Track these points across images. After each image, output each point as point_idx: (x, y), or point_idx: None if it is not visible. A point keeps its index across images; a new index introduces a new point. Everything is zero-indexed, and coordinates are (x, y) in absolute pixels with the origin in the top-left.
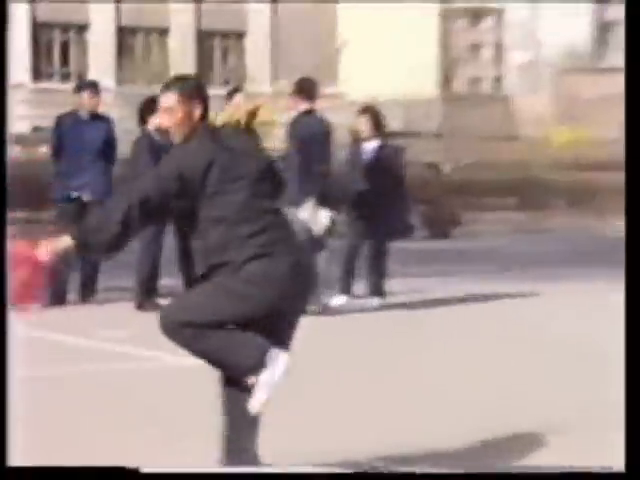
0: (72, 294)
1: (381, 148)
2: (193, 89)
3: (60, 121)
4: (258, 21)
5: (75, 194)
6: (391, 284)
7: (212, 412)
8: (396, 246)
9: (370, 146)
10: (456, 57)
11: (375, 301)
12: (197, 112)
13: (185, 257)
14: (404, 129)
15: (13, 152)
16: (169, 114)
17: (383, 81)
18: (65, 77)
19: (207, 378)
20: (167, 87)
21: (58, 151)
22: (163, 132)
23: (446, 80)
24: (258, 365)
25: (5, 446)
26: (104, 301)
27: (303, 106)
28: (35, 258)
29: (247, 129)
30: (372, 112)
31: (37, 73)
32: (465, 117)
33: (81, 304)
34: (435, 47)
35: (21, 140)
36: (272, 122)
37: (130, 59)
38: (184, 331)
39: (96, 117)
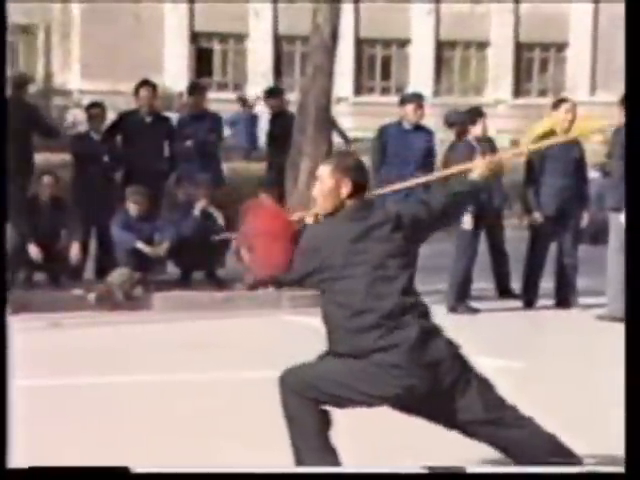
0: None
1: None
2: (346, 166)
3: (384, 131)
4: (580, 30)
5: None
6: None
7: None
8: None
9: None
10: None
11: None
12: (345, 189)
13: (497, 259)
14: None
15: None
16: (319, 184)
17: None
18: (385, 91)
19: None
20: (326, 160)
21: (381, 160)
22: (479, 139)
23: None
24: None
25: (5, 447)
26: None
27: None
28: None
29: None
30: None
31: (359, 87)
32: None
33: None
34: None
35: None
36: (592, 131)
37: (448, 72)
38: (296, 400)
39: (419, 128)
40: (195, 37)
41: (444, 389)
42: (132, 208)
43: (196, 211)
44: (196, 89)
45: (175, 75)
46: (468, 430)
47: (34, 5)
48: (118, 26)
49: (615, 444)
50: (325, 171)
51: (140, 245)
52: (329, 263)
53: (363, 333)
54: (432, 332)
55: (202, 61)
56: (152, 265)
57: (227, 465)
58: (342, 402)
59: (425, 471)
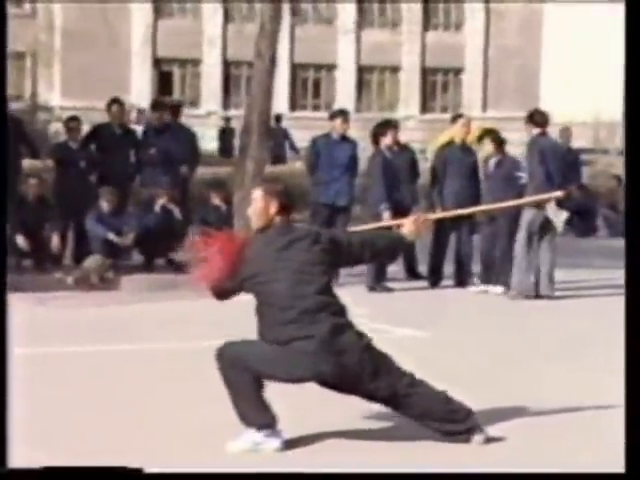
0: None
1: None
2: (275, 192)
3: (316, 141)
4: (473, 57)
5: (328, 200)
6: (579, 274)
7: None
8: (584, 242)
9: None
10: None
11: (499, 289)
12: (273, 208)
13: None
14: (593, 146)
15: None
16: (253, 204)
17: (575, 107)
18: (316, 107)
19: (427, 345)
20: (259, 185)
21: (314, 165)
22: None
23: None
24: (253, 425)
25: (5, 447)
26: (344, 284)
27: (535, 131)
28: (229, 248)
29: (464, 146)
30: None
31: (293, 104)
32: None
33: None
34: (621, 77)
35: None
36: (481, 141)
37: (367, 92)
38: (232, 368)
39: (344, 138)
40: (157, 62)
41: (353, 374)
42: (104, 205)
43: (157, 207)
44: (158, 106)
45: (140, 94)
46: (377, 400)
47: (23, 35)
48: (93, 52)
49: (501, 398)
50: (257, 194)
51: (111, 236)
52: (259, 270)
53: (286, 325)
54: (344, 327)
55: (163, 82)
56: (121, 253)
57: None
58: (267, 378)
59: (425, 471)
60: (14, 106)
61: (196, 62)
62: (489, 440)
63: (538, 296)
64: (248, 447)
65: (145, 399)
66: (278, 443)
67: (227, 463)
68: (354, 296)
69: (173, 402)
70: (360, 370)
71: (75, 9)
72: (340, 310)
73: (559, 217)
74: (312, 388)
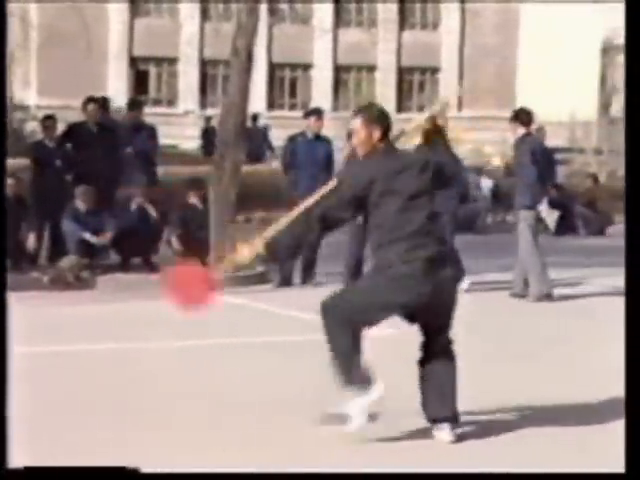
0: (296, 278)
1: None
2: (374, 116)
3: (291, 140)
4: (450, 57)
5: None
6: (561, 273)
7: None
8: (563, 241)
9: None
10: (614, 86)
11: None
12: (376, 134)
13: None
14: (569, 146)
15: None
16: (355, 135)
17: (552, 107)
18: (292, 107)
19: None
20: (355, 114)
21: (289, 164)
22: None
23: (605, 105)
24: (352, 388)
25: (5, 447)
26: (320, 283)
27: (521, 131)
28: (205, 276)
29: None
30: None
31: (271, 103)
32: (620, 136)
33: (302, 286)
34: (597, 78)
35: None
36: (458, 140)
37: (344, 91)
38: (335, 317)
39: (319, 137)
40: (134, 61)
41: (441, 303)
42: (80, 204)
43: (133, 206)
44: (134, 105)
45: (117, 92)
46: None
47: None
48: (69, 51)
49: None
50: (357, 123)
51: (87, 235)
52: (371, 192)
53: (393, 246)
54: (444, 256)
55: (140, 81)
56: (97, 252)
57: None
58: (371, 317)
59: (425, 471)
60: None
61: (173, 61)
62: (456, 440)
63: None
64: (360, 420)
65: (123, 398)
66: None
67: (210, 462)
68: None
69: (151, 400)
70: (447, 302)
71: (51, 7)
72: (442, 239)
73: (551, 217)
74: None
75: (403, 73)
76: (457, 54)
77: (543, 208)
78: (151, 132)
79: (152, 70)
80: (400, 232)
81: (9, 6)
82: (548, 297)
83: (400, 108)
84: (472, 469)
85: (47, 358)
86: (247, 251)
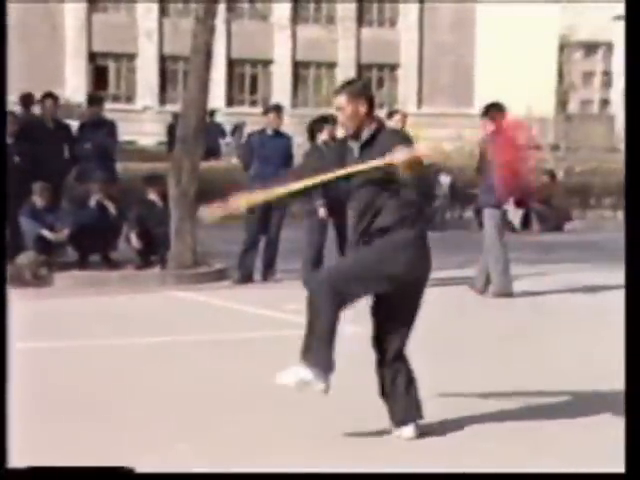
0: (256, 275)
1: None
2: (359, 91)
3: (250, 137)
4: (409, 54)
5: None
6: (517, 269)
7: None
8: (518, 238)
9: None
10: (571, 83)
11: None
12: (363, 109)
13: (341, 242)
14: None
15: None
16: (341, 112)
17: (510, 103)
18: (253, 103)
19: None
20: (338, 91)
21: (249, 160)
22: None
23: (562, 102)
24: (313, 370)
25: (5, 447)
26: (280, 280)
27: (491, 127)
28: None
29: None
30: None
31: (230, 100)
32: (577, 133)
33: (263, 283)
34: (554, 75)
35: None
36: (417, 137)
37: (304, 87)
38: (326, 290)
39: (278, 133)
40: (93, 56)
41: (415, 280)
42: (38, 201)
43: (92, 203)
44: (94, 100)
45: (75, 88)
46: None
47: None
48: (27, 46)
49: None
50: (342, 100)
51: (44, 232)
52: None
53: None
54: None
55: (98, 77)
56: (54, 249)
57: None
58: (359, 287)
59: (425, 471)
60: None
61: (132, 56)
62: (414, 437)
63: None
64: (295, 381)
65: (81, 396)
66: (324, 386)
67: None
68: (289, 292)
69: (114, 397)
70: (418, 288)
71: (9, 2)
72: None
73: (517, 215)
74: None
75: (362, 70)
76: (416, 51)
77: (510, 207)
78: (111, 128)
79: (111, 66)
80: (399, 200)
81: None
82: (508, 295)
83: None
84: (472, 469)
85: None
86: (244, 201)
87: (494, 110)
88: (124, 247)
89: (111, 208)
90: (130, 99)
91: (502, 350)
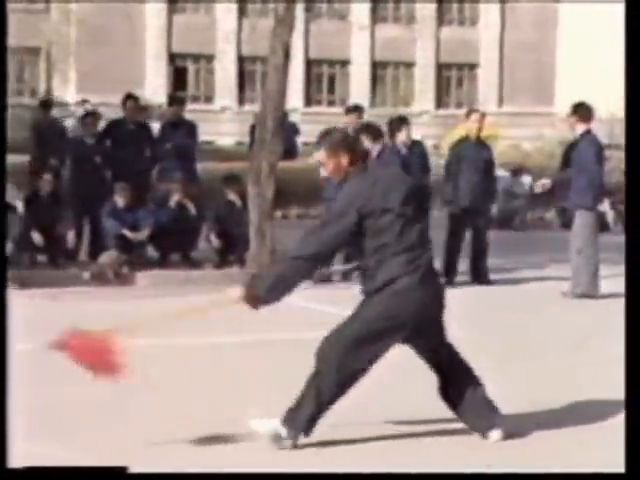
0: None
1: None
2: (337, 143)
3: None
4: (489, 53)
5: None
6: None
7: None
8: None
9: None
10: None
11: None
12: (344, 160)
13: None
14: (608, 142)
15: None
16: (323, 167)
17: (592, 103)
18: (330, 103)
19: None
20: (317, 146)
21: None
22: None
23: None
24: (291, 431)
25: (5, 447)
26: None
27: (581, 127)
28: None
29: (478, 141)
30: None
31: (308, 100)
32: None
33: (342, 282)
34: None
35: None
36: (496, 136)
37: (381, 87)
38: (332, 356)
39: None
40: (172, 57)
41: (435, 316)
42: (119, 201)
43: (172, 202)
44: (175, 101)
45: (155, 89)
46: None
47: (37, 30)
48: (108, 48)
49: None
50: (322, 155)
51: (125, 231)
52: (368, 213)
53: (394, 260)
54: (433, 268)
55: (177, 78)
56: (136, 248)
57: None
58: (381, 337)
59: (425, 471)
60: (27, 102)
61: (210, 58)
62: (506, 437)
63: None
64: (269, 434)
65: (157, 396)
66: (290, 444)
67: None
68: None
69: (190, 399)
70: (438, 315)
71: (90, 4)
72: (431, 249)
73: (610, 216)
74: None
75: (441, 69)
76: (496, 50)
77: (606, 209)
78: (190, 128)
79: (190, 67)
80: (398, 247)
81: (47, 2)
82: (592, 297)
83: (439, 104)
84: (472, 469)
85: None
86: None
87: (582, 110)
88: (204, 247)
89: (191, 208)
90: (209, 100)
91: (584, 351)
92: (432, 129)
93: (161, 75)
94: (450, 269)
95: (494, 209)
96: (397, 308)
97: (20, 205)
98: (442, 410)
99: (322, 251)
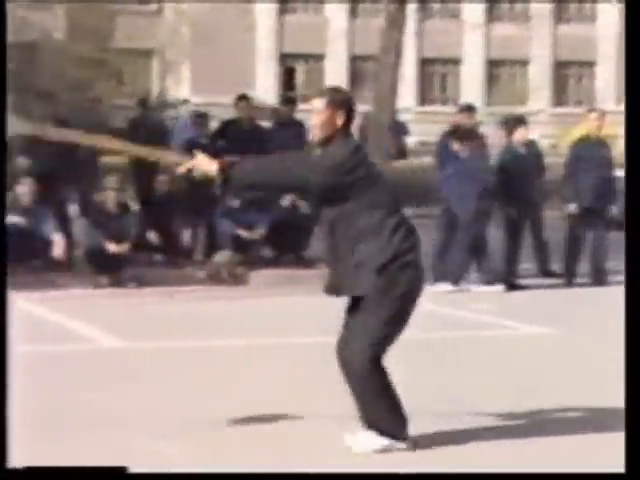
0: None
1: None
2: (341, 100)
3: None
4: (607, 50)
5: None
6: None
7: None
8: None
9: None
10: None
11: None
12: (339, 120)
13: (537, 245)
14: None
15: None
16: (315, 116)
17: None
18: (444, 102)
19: (556, 343)
20: (320, 94)
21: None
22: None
23: None
24: (394, 434)
25: (5, 447)
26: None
27: None
28: None
29: (598, 140)
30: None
31: (422, 99)
32: None
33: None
34: None
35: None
36: (615, 135)
37: (496, 86)
38: (366, 367)
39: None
40: (283, 57)
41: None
42: (233, 201)
43: (285, 202)
44: (288, 101)
45: (265, 90)
46: None
47: (149, 32)
48: (220, 48)
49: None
50: (319, 104)
51: (239, 231)
52: (360, 178)
53: (393, 235)
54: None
55: (287, 78)
56: (250, 248)
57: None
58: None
59: (425, 471)
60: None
61: (320, 57)
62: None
63: None
64: (373, 449)
65: (284, 395)
66: (404, 445)
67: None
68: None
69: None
70: None
71: (202, 6)
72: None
73: None
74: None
75: (558, 67)
76: (613, 47)
77: None
78: (300, 128)
79: (300, 67)
80: (391, 222)
81: (160, 4)
82: None
83: (556, 102)
84: (472, 469)
85: (205, 352)
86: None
87: None
88: (318, 246)
89: (304, 207)
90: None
91: None
92: (548, 128)
93: (271, 75)
94: (570, 270)
95: (614, 210)
96: (411, 283)
97: (136, 205)
98: (440, 408)
99: (303, 183)
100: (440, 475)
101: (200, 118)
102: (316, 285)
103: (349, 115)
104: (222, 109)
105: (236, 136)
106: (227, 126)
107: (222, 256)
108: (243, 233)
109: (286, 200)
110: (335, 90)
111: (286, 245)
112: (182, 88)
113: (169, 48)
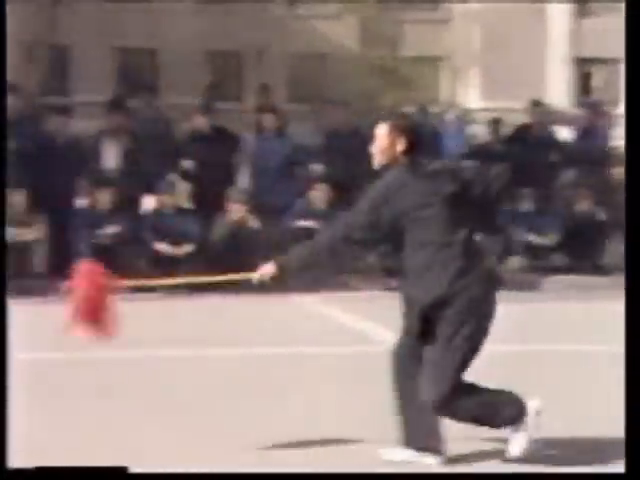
0: None
1: None
2: (403, 127)
3: None
4: None
5: None
6: None
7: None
8: None
9: None
10: None
11: None
12: (399, 147)
13: None
14: None
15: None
16: (377, 142)
17: None
18: None
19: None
20: (384, 119)
21: None
22: None
23: None
24: (518, 420)
25: (5, 447)
26: None
27: None
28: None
29: None
30: None
31: None
32: None
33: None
34: None
35: None
36: None
37: None
38: (452, 405)
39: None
40: (578, 62)
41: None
42: (525, 205)
43: (579, 208)
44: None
45: (557, 94)
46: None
47: (438, 39)
48: (510, 53)
49: None
50: (382, 130)
51: (531, 237)
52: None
53: (449, 259)
54: None
55: (583, 82)
56: (543, 254)
57: None
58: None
59: (425, 471)
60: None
61: (616, 61)
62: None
63: None
64: (406, 460)
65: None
66: (434, 460)
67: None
68: None
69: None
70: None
71: (492, 12)
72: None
73: None
74: None
75: None
76: None
77: None
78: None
79: (595, 71)
80: (455, 249)
81: (449, 11)
82: None
83: None
84: (472, 469)
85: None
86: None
87: None
88: (616, 252)
89: (599, 214)
90: (613, 104)
91: None
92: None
93: (564, 80)
94: None
95: None
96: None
97: None
98: None
99: (350, 235)
100: (440, 475)
101: (494, 124)
102: (609, 291)
103: (411, 142)
104: (511, 114)
105: (531, 142)
106: (521, 131)
107: (515, 262)
108: (535, 238)
109: (583, 205)
110: (399, 116)
111: (580, 252)
112: (470, 94)
113: (458, 54)
